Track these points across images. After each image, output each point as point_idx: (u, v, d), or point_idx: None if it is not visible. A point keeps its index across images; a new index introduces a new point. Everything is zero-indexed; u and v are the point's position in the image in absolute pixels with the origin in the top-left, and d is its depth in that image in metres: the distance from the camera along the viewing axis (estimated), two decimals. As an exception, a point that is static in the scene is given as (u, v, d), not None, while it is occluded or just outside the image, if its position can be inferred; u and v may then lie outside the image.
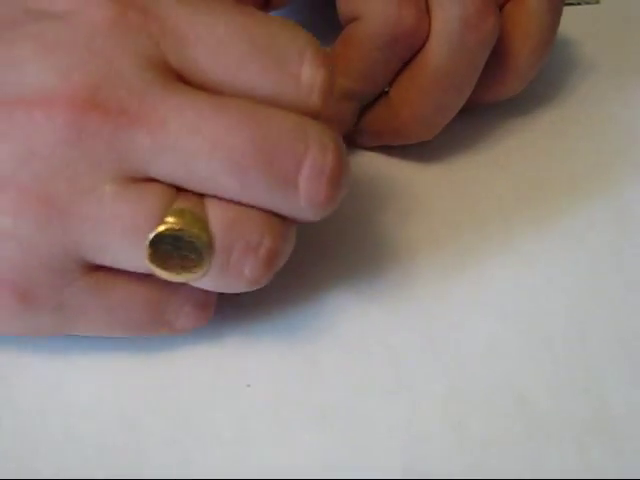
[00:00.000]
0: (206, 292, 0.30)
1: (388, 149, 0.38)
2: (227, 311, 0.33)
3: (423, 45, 0.34)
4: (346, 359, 0.32)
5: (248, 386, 0.31)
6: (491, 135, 0.39)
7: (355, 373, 0.31)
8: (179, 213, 0.28)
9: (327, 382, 0.31)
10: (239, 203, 0.28)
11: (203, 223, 0.28)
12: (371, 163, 0.38)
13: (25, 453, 0.29)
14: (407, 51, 0.34)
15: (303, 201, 0.28)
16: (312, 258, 0.35)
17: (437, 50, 0.34)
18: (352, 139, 0.37)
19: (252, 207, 0.28)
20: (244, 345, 0.32)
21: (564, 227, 0.36)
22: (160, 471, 0.29)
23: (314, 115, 0.28)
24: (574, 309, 0.33)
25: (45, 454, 0.29)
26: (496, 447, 0.30)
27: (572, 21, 0.44)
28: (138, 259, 0.28)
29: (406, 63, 0.35)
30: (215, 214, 0.28)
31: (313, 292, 0.34)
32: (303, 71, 0.28)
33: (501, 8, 0.35)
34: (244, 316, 0.33)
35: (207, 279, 0.29)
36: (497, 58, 0.35)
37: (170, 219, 0.28)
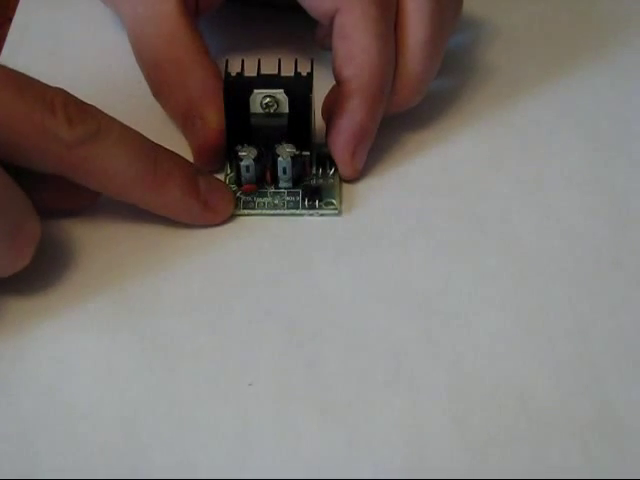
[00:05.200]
0: None
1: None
2: (227, 310, 0.33)
3: None
4: (347, 356, 0.32)
5: (250, 385, 0.31)
6: (492, 134, 0.39)
7: (356, 370, 0.31)
8: None
9: (328, 380, 0.31)
10: None
11: None
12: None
13: (25, 453, 0.29)
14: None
15: None
16: (311, 256, 0.35)
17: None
18: None
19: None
20: (245, 344, 0.32)
21: (564, 224, 0.36)
22: (161, 471, 0.29)
23: None
24: (575, 307, 0.33)
25: (45, 455, 0.29)
26: (497, 444, 0.30)
27: (572, 22, 0.44)
28: None
29: None
30: None
31: (313, 290, 0.34)
32: None
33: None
34: (245, 315, 0.33)
35: None
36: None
37: None
